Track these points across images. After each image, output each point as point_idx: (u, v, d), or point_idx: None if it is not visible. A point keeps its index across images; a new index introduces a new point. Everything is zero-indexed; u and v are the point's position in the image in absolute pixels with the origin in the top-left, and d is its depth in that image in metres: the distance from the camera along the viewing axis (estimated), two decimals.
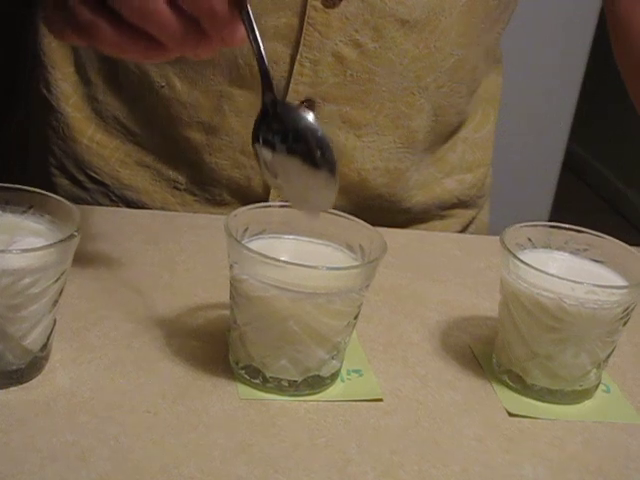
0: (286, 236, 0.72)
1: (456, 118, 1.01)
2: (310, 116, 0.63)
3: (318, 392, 0.69)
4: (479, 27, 0.94)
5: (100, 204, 0.98)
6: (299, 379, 0.68)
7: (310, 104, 0.91)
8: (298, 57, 0.89)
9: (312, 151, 0.63)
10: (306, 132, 0.63)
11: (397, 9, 0.88)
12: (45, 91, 0.97)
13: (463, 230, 1.10)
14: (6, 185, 0.67)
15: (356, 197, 0.98)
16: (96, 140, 0.96)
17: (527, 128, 2.45)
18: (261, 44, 0.63)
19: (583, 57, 2.46)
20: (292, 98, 0.90)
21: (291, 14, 0.87)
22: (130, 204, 0.98)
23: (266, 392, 0.68)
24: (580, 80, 2.48)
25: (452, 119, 1.00)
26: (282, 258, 0.66)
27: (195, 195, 0.97)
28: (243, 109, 0.91)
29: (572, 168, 3.25)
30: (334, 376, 0.70)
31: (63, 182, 0.99)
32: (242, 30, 0.62)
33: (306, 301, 0.66)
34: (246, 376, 0.69)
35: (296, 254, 0.69)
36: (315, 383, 0.69)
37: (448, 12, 0.90)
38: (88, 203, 0.98)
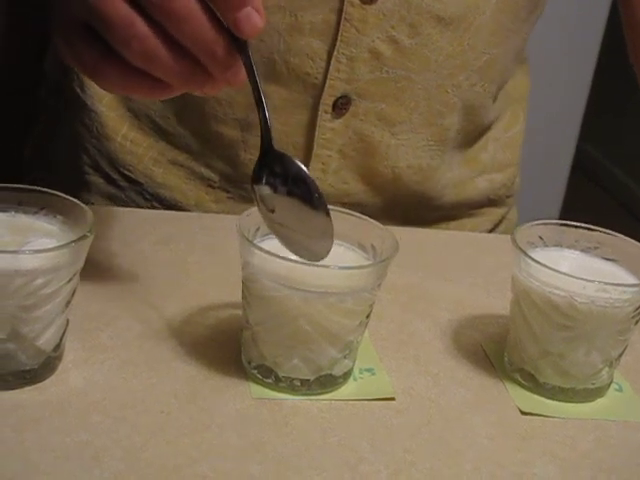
0: None
1: (485, 118, 1.01)
2: (302, 165, 0.65)
3: (330, 391, 0.69)
4: (509, 27, 0.94)
5: (135, 202, 0.98)
6: (311, 378, 0.68)
7: (346, 101, 0.91)
8: (335, 53, 0.89)
9: (311, 194, 0.65)
10: (304, 177, 0.65)
11: (433, 5, 0.89)
12: (79, 90, 0.97)
13: (493, 228, 1.10)
14: (19, 186, 0.67)
15: (390, 194, 0.99)
16: (130, 139, 0.97)
17: (537, 127, 2.44)
18: (261, 89, 0.65)
19: (593, 55, 2.46)
20: (328, 94, 0.91)
21: (328, 10, 0.88)
22: (164, 202, 0.98)
23: (279, 391, 0.68)
24: (590, 79, 2.48)
25: (482, 118, 1.01)
26: (293, 258, 0.66)
27: (229, 192, 0.97)
28: (278, 105, 0.92)
29: (582, 167, 3.25)
30: (346, 375, 0.70)
31: (97, 180, 0.99)
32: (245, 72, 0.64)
33: (318, 300, 0.66)
34: (259, 375, 0.69)
35: None
36: (327, 382, 0.69)
37: (482, 10, 0.91)
38: (123, 201, 0.98)
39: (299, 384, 0.68)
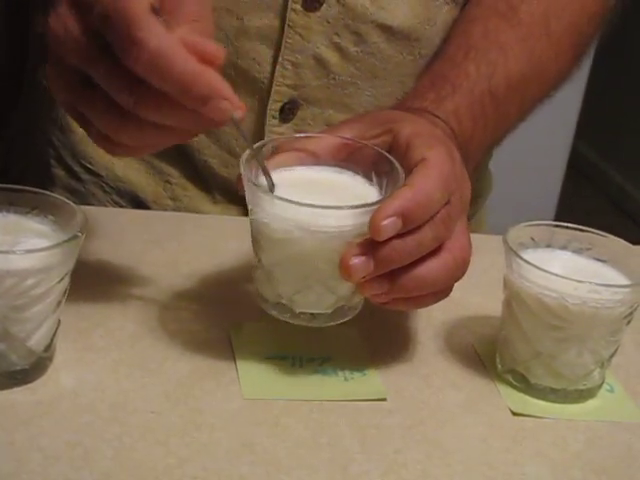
0: (297, 167, 0.71)
1: None
2: None
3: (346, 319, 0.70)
4: None
5: (94, 195, 0.98)
6: (329, 311, 0.69)
7: (294, 106, 0.92)
8: (280, 59, 0.89)
9: None
10: None
11: (379, 15, 0.89)
12: (45, 82, 0.97)
13: None
14: (10, 186, 0.67)
15: None
16: None
17: (532, 127, 2.44)
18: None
19: (589, 55, 2.45)
20: (275, 99, 0.91)
21: (273, 16, 0.88)
22: (123, 196, 0.98)
23: (296, 322, 0.69)
24: (585, 78, 2.48)
25: None
26: (298, 190, 0.65)
27: (187, 190, 0.97)
28: None
29: (578, 168, 3.25)
30: (360, 303, 0.70)
31: (60, 173, 0.99)
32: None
33: (332, 240, 0.65)
34: (273, 312, 0.69)
35: (313, 184, 0.68)
36: (343, 313, 0.70)
37: (432, 21, 0.91)
38: (82, 194, 0.98)
39: (318, 315, 0.69)
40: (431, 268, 0.67)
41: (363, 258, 0.64)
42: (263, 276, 0.69)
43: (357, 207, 0.65)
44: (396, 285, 0.66)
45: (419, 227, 0.65)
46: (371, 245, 0.65)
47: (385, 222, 0.64)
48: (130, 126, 0.65)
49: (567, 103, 2.49)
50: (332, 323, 0.70)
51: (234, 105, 0.63)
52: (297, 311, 0.68)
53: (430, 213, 0.66)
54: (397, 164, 0.68)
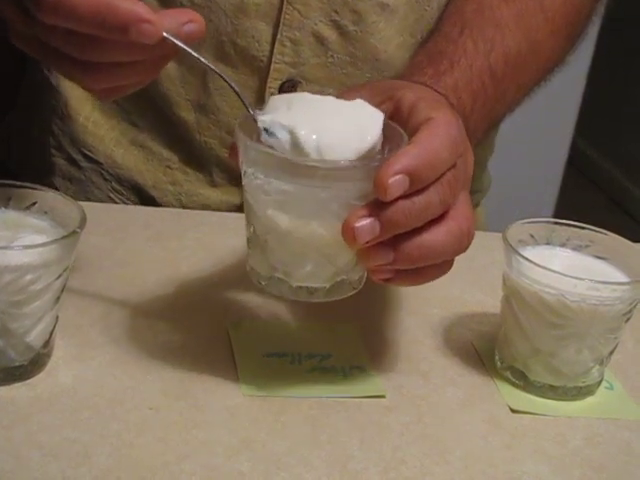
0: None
1: None
2: None
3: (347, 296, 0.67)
4: None
5: (94, 183, 0.98)
6: (327, 285, 0.65)
7: (293, 84, 0.91)
8: (279, 36, 0.89)
9: None
10: None
11: None
12: (46, 70, 0.97)
13: None
14: (9, 182, 0.67)
15: None
16: (92, 120, 0.97)
17: (531, 124, 2.44)
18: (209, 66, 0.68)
19: (588, 51, 2.45)
20: (274, 77, 0.91)
21: None
22: (123, 183, 0.98)
23: (296, 297, 0.66)
24: (585, 75, 2.47)
25: None
26: (302, 158, 0.61)
27: (187, 174, 0.97)
28: (226, 86, 0.91)
29: (577, 165, 3.25)
30: (361, 279, 0.67)
31: (60, 162, 0.99)
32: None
33: (333, 201, 0.62)
34: (268, 287, 0.66)
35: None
36: (343, 288, 0.66)
37: (433, 2, 0.91)
38: (82, 182, 0.98)
39: (314, 291, 0.65)
40: (437, 235, 0.63)
41: (369, 220, 0.61)
42: (257, 248, 0.65)
43: (359, 164, 0.62)
44: (401, 254, 0.62)
45: (425, 188, 0.62)
46: (377, 207, 0.61)
47: (392, 180, 0.60)
48: (90, 71, 0.64)
49: (567, 99, 2.49)
50: (332, 298, 0.66)
51: (156, 26, 0.60)
52: (294, 285, 0.65)
53: (437, 173, 0.63)
54: (400, 128, 0.65)
